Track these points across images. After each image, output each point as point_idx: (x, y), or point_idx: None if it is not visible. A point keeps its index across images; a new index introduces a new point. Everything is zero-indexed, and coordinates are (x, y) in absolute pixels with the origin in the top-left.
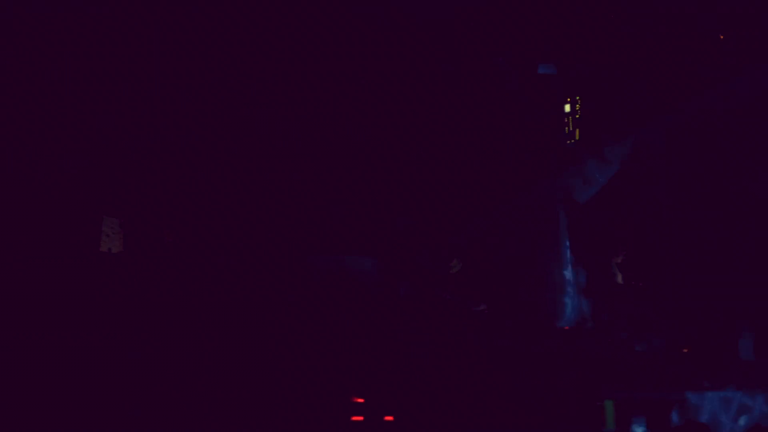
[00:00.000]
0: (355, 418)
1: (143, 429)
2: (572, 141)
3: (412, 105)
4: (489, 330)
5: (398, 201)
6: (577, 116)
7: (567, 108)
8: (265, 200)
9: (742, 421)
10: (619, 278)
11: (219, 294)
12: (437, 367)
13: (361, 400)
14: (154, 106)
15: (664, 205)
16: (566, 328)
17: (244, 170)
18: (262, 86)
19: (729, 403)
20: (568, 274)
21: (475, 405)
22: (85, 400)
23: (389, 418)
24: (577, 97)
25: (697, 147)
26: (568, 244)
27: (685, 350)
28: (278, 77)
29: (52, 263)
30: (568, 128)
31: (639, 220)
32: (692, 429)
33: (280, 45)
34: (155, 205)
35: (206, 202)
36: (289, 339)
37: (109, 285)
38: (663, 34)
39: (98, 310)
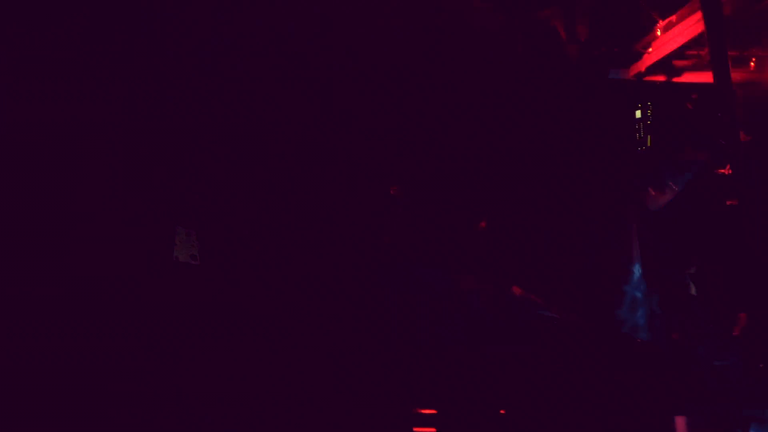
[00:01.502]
0: (418, 430)
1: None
2: (644, 148)
3: (485, 111)
4: (560, 341)
5: (467, 209)
6: (649, 122)
7: (638, 114)
8: (336, 212)
9: None
10: (693, 290)
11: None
12: (505, 376)
13: (431, 411)
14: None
15: (738, 214)
16: (638, 341)
17: (319, 179)
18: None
19: None
20: (640, 285)
21: (547, 418)
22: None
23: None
24: (649, 103)
25: None
26: (640, 254)
27: (762, 366)
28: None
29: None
30: (640, 135)
31: (714, 230)
32: None
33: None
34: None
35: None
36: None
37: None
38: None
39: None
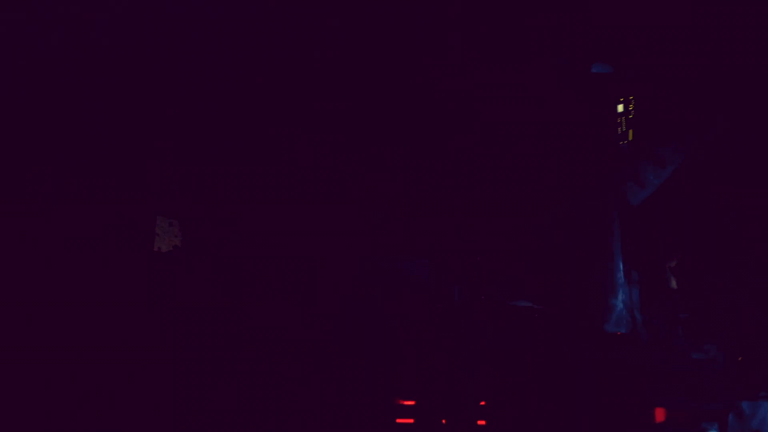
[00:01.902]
0: (401, 420)
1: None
2: (625, 142)
3: (462, 105)
4: (538, 334)
5: (451, 204)
6: (630, 116)
7: (620, 108)
8: (319, 202)
9: None
10: (674, 283)
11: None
12: (485, 370)
13: (410, 402)
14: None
15: (720, 208)
16: (618, 333)
17: (301, 167)
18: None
19: None
20: (620, 278)
21: (522, 409)
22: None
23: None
24: (631, 97)
25: (760, 148)
26: (620, 247)
27: (740, 359)
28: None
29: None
30: (621, 129)
31: (695, 223)
32: None
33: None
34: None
35: (259, 197)
36: (338, 340)
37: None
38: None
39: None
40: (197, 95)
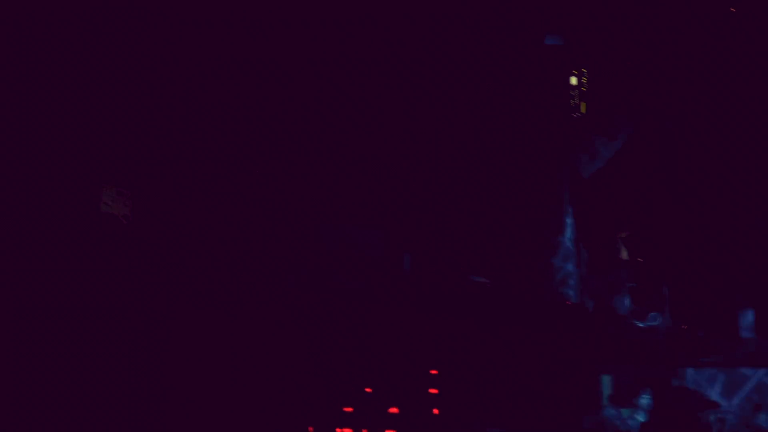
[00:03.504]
0: (347, 409)
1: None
2: (578, 114)
3: (414, 81)
4: (488, 305)
5: (405, 176)
6: (584, 89)
7: (573, 81)
8: (272, 173)
9: (736, 399)
10: (624, 254)
11: (220, 265)
12: (438, 347)
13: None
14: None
15: (668, 182)
16: (567, 303)
17: (251, 143)
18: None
19: (729, 379)
20: (570, 247)
21: (475, 381)
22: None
23: (393, 409)
24: (584, 70)
25: (708, 121)
26: (571, 218)
27: (685, 327)
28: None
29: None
30: (574, 101)
31: (643, 195)
32: (691, 405)
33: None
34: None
35: (214, 172)
36: (289, 312)
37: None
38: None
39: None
40: None
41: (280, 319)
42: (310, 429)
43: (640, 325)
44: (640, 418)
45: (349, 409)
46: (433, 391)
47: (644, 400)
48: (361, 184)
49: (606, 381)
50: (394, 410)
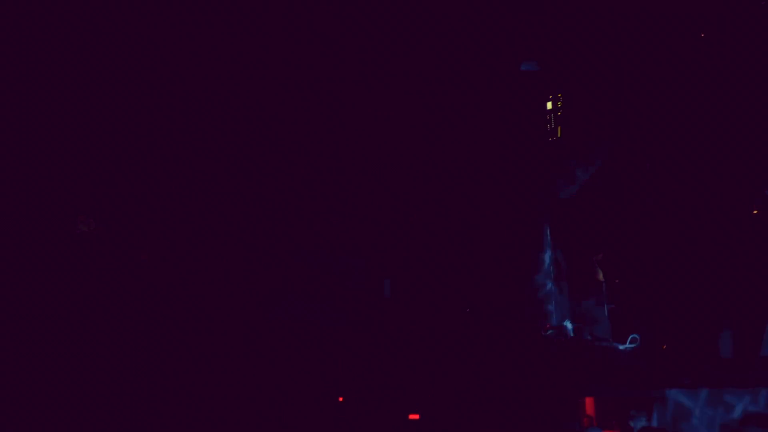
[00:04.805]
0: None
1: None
2: (554, 138)
3: (394, 108)
4: (470, 326)
5: (387, 205)
6: (559, 114)
7: (549, 105)
8: (260, 199)
9: (719, 418)
10: (600, 276)
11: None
12: (420, 367)
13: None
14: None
15: (644, 203)
16: (548, 326)
17: (243, 167)
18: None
19: (711, 400)
20: (550, 268)
21: (458, 404)
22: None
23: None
24: (559, 95)
25: (681, 146)
26: (549, 239)
27: (664, 347)
28: (278, 78)
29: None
30: (550, 125)
31: (620, 217)
32: (670, 425)
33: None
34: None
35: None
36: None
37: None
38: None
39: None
40: None
41: (262, 346)
42: None
43: (620, 347)
44: None
45: None
46: (414, 417)
47: (639, 422)
48: (341, 210)
49: (587, 404)
50: None
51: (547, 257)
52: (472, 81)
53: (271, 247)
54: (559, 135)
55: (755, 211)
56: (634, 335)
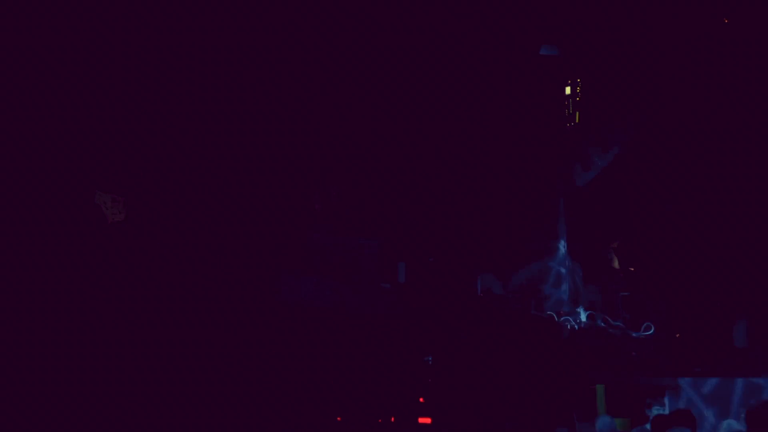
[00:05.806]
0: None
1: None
2: (572, 124)
3: (409, 93)
4: (484, 312)
5: (401, 183)
6: (578, 99)
7: (567, 90)
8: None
9: (734, 407)
10: (615, 263)
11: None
12: (433, 353)
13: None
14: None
15: (661, 191)
16: (561, 313)
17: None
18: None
19: (724, 389)
20: (565, 260)
21: (469, 387)
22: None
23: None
24: (578, 80)
25: (702, 133)
26: (565, 226)
27: (678, 335)
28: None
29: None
30: (569, 111)
31: (636, 205)
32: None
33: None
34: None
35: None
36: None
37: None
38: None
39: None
40: None
41: (272, 327)
42: None
43: (634, 335)
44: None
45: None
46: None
47: (656, 410)
48: (356, 194)
49: (600, 390)
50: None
51: (561, 244)
52: (491, 66)
53: (284, 228)
54: (577, 121)
55: None
56: (648, 323)
